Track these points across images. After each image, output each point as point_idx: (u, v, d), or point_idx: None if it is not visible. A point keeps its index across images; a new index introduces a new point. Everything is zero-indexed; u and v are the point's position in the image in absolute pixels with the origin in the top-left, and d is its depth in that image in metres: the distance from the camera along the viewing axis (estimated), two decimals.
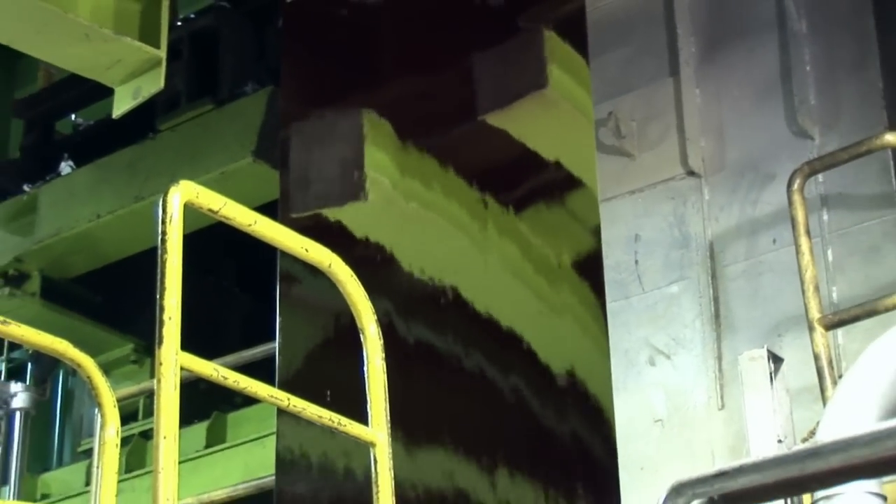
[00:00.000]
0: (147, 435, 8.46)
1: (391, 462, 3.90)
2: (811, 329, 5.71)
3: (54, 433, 9.67)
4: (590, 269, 6.48)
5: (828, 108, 6.64)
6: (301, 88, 6.99)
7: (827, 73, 6.68)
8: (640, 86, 7.08)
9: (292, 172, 6.75)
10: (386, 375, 3.97)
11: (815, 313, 5.74)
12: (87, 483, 8.35)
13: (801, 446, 3.27)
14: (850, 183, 6.39)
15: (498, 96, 6.54)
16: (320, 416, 3.84)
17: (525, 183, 6.60)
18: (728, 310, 6.56)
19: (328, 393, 4.98)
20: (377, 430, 3.92)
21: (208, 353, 3.69)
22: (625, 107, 7.01)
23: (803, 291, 5.81)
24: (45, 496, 8.83)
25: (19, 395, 8.05)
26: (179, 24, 8.62)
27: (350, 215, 6.44)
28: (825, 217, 6.43)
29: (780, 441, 5.23)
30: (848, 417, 4.54)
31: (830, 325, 5.75)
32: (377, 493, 3.87)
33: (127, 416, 8.09)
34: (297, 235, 3.93)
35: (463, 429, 6.03)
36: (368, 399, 3.96)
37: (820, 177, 6.39)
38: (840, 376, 5.35)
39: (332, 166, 6.59)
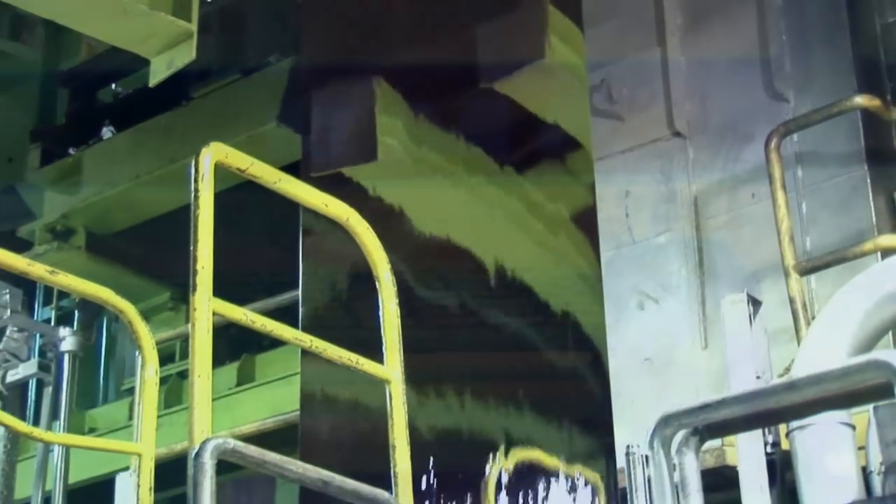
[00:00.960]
0: (183, 375, 8.49)
1: (405, 398, 3.90)
2: (787, 275, 5.70)
3: (99, 373, 9.69)
4: (585, 221, 6.47)
5: (802, 74, 6.61)
6: (320, 58, 6.97)
7: (801, 41, 6.64)
8: (630, 54, 7.05)
9: (313, 135, 6.74)
10: (399, 319, 3.97)
11: (790, 260, 5.73)
12: (130, 418, 8.38)
13: (777, 381, 3.27)
14: (822, 142, 6.37)
15: (502, 65, 6.52)
16: (340, 356, 3.84)
17: (526, 144, 6.58)
18: (711, 258, 6.55)
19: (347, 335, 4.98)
20: (391, 369, 3.92)
21: (238, 300, 3.69)
22: (616, 74, 6.99)
23: (779, 241, 5.81)
24: (92, 430, 8.86)
25: (68, 339, 8.06)
26: (209, 0, 8.59)
27: (365, 174, 6.43)
28: (799, 173, 6.42)
29: (758, 377, 5.23)
30: (820, 354, 4.54)
31: (804, 272, 5.74)
32: (392, 426, 3.87)
33: (165, 358, 8.10)
34: (317, 192, 3.92)
35: (470, 368, 6.04)
36: (384, 340, 3.95)
37: (795, 136, 6.38)
38: (813, 318, 5.34)
39: (349, 129, 6.58)
